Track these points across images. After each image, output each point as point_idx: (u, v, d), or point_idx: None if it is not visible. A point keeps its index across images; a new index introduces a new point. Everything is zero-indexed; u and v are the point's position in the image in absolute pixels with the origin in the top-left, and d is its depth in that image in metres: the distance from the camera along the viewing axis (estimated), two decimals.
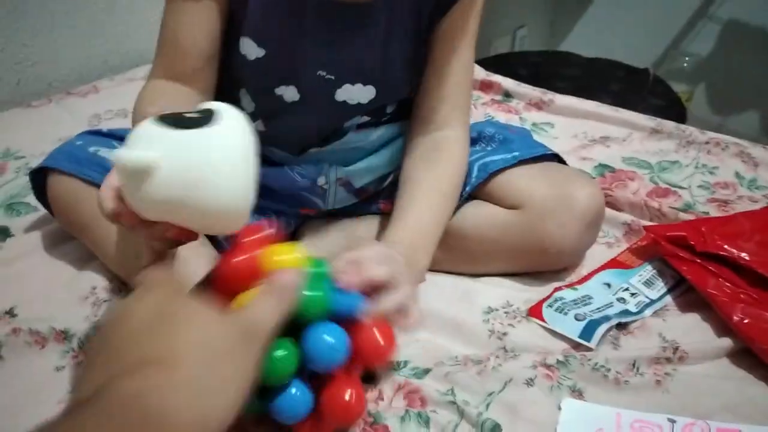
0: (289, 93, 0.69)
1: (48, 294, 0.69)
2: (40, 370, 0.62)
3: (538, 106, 1.09)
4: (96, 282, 0.70)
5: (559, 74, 1.59)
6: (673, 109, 1.52)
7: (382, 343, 0.51)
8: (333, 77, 0.67)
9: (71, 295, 0.69)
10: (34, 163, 0.88)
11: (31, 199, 0.79)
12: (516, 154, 0.72)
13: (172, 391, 0.31)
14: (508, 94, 1.13)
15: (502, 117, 1.06)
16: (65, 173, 0.71)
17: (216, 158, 0.41)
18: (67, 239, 0.77)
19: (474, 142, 0.75)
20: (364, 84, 0.68)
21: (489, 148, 0.74)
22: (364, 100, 0.69)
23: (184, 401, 0.31)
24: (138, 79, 1.16)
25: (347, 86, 0.68)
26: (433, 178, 0.67)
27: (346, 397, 0.49)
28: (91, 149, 0.73)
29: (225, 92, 0.72)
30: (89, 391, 0.31)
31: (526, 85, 1.13)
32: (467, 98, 0.72)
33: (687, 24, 1.95)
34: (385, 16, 0.65)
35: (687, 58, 1.95)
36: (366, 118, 0.72)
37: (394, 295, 0.53)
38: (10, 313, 0.67)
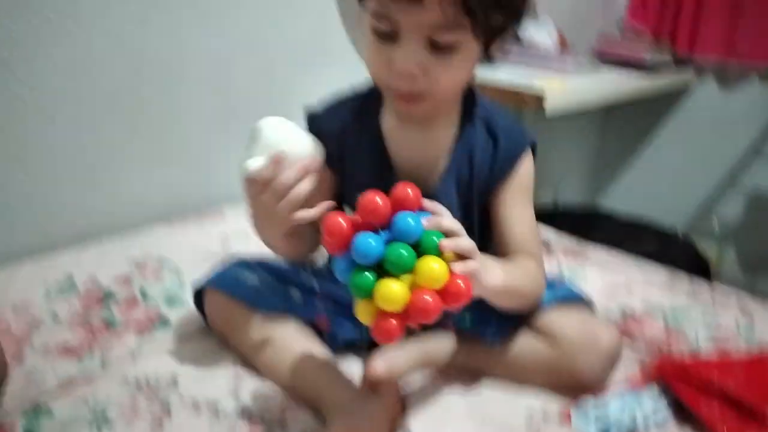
0: None
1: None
2: None
3: (574, 254, 1.33)
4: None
5: (594, 233, 1.67)
6: (699, 269, 1.66)
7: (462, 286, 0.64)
8: None
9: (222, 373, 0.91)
10: (183, 269, 1.16)
11: (186, 298, 1.06)
12: (559, 294, 0.93)
13: None
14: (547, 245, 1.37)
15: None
16: (224, 294, 0.91)
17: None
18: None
19: None
20: None
21: None
22: None
23: None
24: None
25: None
26: (518, 263, 0.84)
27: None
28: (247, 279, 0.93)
29: None
30: None
31: (565, 236, 1.38)
32: (536, 245, 0.89)
33: (717, 190, 2.17)
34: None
35: (717, 220, 2.15)
36: None
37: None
38: (173, 380, 0.90)
